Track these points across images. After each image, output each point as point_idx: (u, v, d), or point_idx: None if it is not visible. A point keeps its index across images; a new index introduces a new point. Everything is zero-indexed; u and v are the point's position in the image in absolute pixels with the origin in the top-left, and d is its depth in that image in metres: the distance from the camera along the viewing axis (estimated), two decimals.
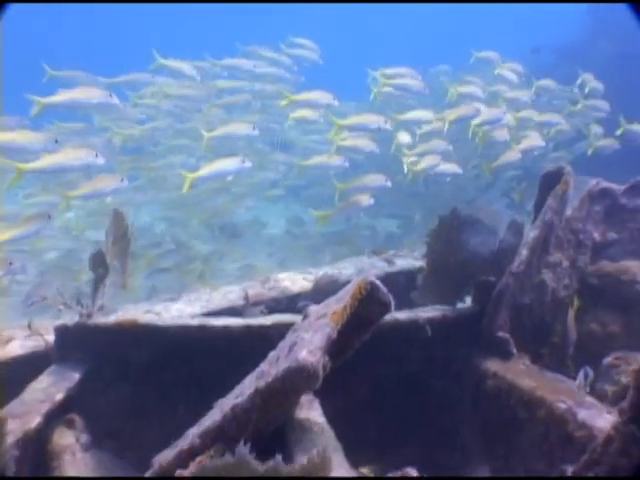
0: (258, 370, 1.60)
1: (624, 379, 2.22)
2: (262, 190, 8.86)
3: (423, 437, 2.91)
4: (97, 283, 2.68)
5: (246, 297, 3.34)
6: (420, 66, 8.64)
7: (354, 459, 2.88)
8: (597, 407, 1.95)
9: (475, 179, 8.65)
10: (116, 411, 2.63)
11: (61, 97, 5.04)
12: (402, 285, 3.79)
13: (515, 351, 2.71)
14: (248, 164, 5.69)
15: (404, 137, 6.49)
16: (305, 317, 1.81)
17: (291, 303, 3.48)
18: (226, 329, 2.32)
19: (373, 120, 5.97)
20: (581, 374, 2.49)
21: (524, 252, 2.70)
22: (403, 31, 28.68)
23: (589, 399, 2.02)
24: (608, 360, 2.67)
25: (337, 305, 1.61)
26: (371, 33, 29.87)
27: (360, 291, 1.66)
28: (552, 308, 2.95)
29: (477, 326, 2.91)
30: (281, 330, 2.31)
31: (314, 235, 8.74)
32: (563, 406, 1.97)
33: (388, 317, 2.57)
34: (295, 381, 1.38)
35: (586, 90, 7.85)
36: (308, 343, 1.40)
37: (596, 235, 3.08)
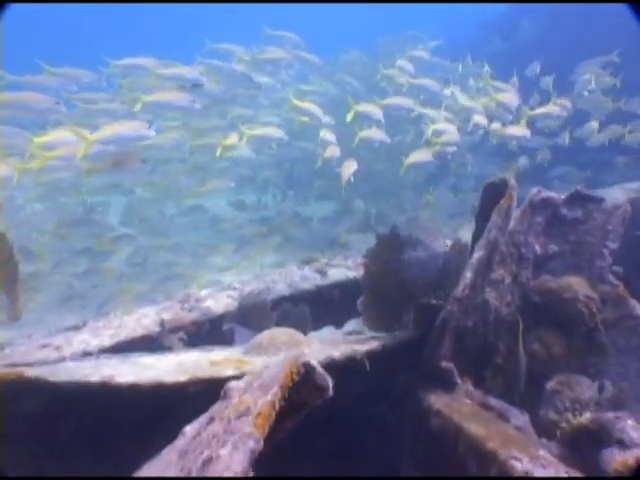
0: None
1: (573, 419, 2.07)
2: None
3: (361, 471, 2.70)
4: None
5: (162, 323, 2.95)
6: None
7: None
8: (554, 465, 1.77)
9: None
10: None
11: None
12: (336, 298, 3.55)
13: (459, 381, 2.53)
14: (282, 134, 6.41)
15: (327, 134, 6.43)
16: (225, 396, 1.48)
17: (215, 326, 3.14)
18: (134, 388, 1.95)
19: (378, 112, 6.35)
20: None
21: (468, 275, 2.49)
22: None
23: (543, 453, 1.85)
24: (551, 385, 2.55)
25: (263, 399, 1.29)
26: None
27: (292, 377, 1.35)
28: (495, 327, 2.79)
29: (418, 351, 2.71)
30: (199, 387, 1.98)
31: (245, 223, 8.26)
32: (518, 466, 1.78)
33: (322, 356, 2.31)
34: None
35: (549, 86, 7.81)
36: (225, 468, 1.09)
37: (537, 248, 2.94)
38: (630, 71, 8.45)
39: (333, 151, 6.24)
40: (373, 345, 2.52)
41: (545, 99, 7.44)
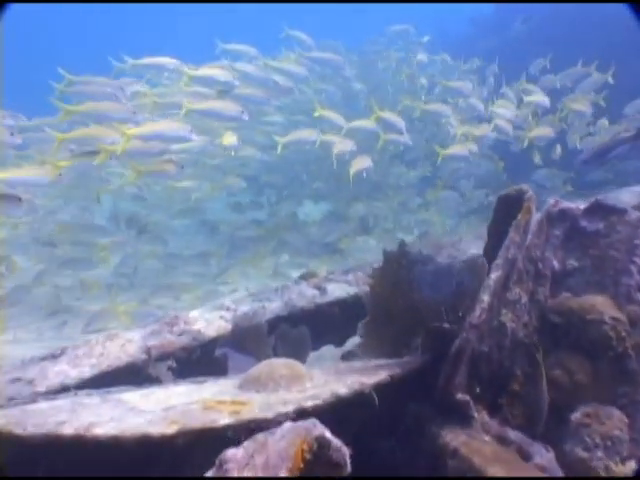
0: None
1: (614, 466, 1.85)
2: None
3: None
4: None
5: (148, 351, 2.70)
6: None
7: None
8: None
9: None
10: None
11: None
12: (336, 317, 3.31)
13: (476, 415, 2.30)
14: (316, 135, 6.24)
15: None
16: (220, 468, 1.24)
17: (206, 351, 2.89)
18: (115, 441, 1.70)
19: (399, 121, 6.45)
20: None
21: (485, 298, 2.26)
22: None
23: None
24: (577, 417, 2.33)
25: None
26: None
27: (303, 455, 1.12)
28: (511, 351, 2.57)
29: (428, 378, 2.48)
30: (189, 439, 1.73)
31: (239, 227, 7.93)
32: None
33: (327, 395, 2.08)
34: None
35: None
36: None
37: (555, 263, 2.71)
38: (627, 67, 8.30)
39: (345, 145, 6.08)
40: (381, 376, 2.29)
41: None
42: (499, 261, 2.33)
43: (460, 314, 2.45)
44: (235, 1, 27.05)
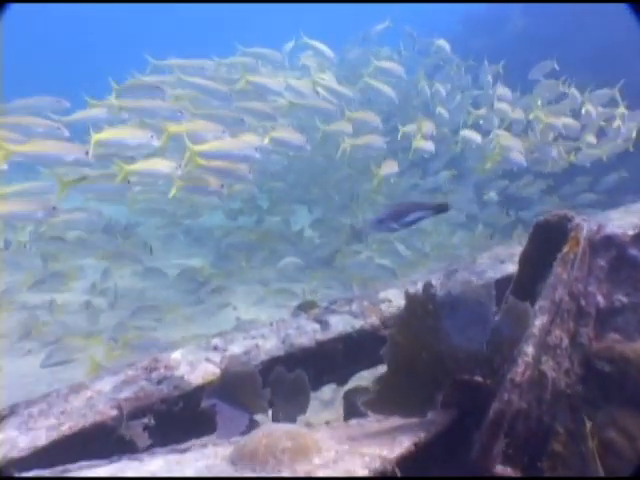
0: None
1: None
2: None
3: None
4: None
5: (120, 406, 2.26)
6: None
7: None
8: None
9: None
10: None
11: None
12: (340, 354, 2.90)
13: None
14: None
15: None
16: None
17: (190, 402, 2.45)
18: None
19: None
20: None
21: (530, 351, 1.87)
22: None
23: None
24: None
25: None
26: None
27: None
28: (551, 405, 2.17)
29: (456, 438, 2.09)
30: None
31: (230, 235, 7.41)
32: None
33: (342, 475, 1.66)
34: None
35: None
36: None
37: (600, 299, 2.32)
38: (624, 68, 8.01)
39: (374, 141, 5.95)
40: (404, 445, 1.87)
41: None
42: (544, 303, 1.94)
43: (495, 366, 2.05)
44: (235, 1, 26.68)
